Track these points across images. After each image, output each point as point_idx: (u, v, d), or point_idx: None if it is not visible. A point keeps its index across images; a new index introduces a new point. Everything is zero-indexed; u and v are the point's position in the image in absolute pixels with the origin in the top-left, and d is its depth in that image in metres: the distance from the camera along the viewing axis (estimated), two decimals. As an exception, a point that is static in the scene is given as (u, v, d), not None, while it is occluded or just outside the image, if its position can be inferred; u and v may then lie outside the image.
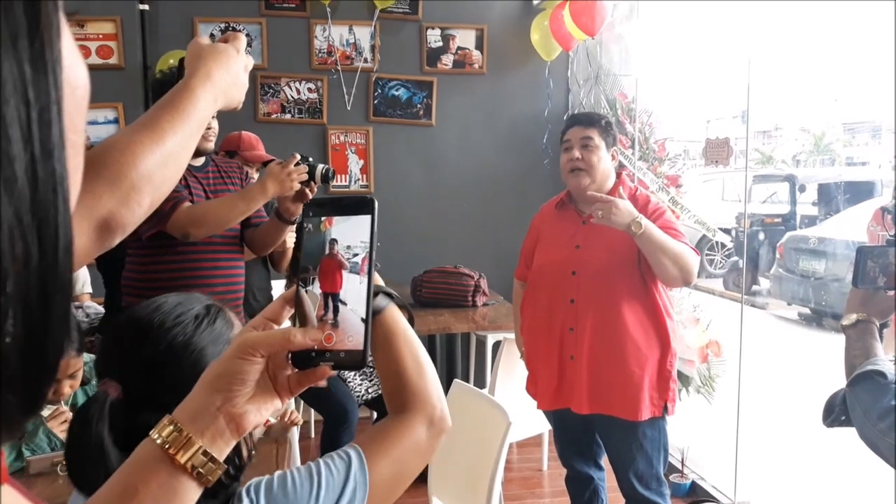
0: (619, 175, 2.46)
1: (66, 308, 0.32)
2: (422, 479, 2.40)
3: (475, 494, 2.01)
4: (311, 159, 2.40)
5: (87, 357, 2.20)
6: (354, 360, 0.63)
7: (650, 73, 4.24)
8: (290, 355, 0.64)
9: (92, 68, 3.64)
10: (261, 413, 0.63)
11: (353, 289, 0.64)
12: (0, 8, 0.28)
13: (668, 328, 2.33)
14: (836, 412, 1.30)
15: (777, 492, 3.48)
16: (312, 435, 4.09)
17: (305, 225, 0.68)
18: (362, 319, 0.63)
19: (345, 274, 0.65)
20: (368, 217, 0.66)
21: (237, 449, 0.71)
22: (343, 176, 4.53)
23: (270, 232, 2.46)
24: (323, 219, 0.67)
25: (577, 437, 2.54)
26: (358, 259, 0.65)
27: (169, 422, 0.60)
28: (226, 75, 1.00)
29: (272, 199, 2.28)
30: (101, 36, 4.10)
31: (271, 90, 4.41)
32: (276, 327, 0.66)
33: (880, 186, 9.11)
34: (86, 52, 4.07)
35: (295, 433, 3.04)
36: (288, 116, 4.46)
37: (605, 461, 2.57)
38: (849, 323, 1.35)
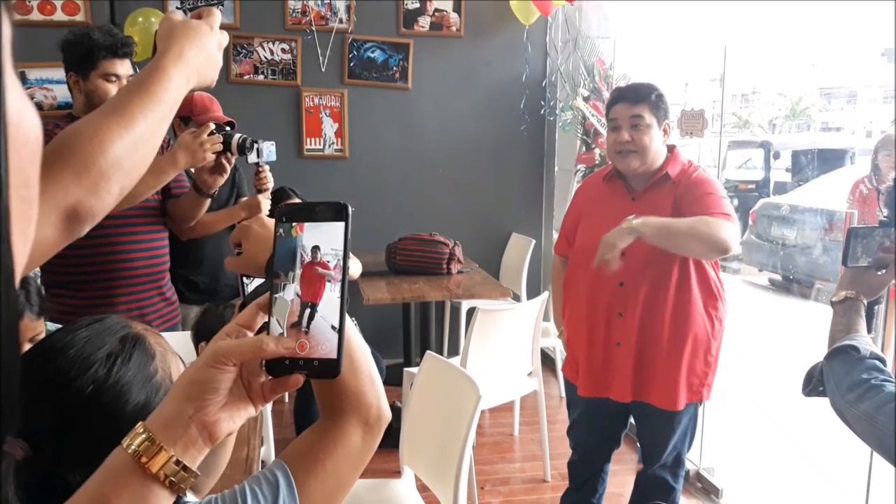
0: (671, 149, 2.27)
1: (12, 390, 0.31)
2: (394, 445, 2.44)
3: (446, 464, 2.04)
4: (227, 128, 2.27)
5: (51, 325, 2.17)
6: (328, 369, 0.64)
7: (628, 37, 4.21)
8: (263, 363, 0.64)
9: (57, 25, 3.51)
10: (234, 421, 0.63)
11: (325, 297, 0.65)
12: None
13: (721, 312, 2.22)
14: (814, 383, 1.37)
15: (742, 458, 3.57)
16: (286, 400, 4.11)
17: (277, 230, 0.67)
18: (333, 328, 0.64)
19: (326, 284, 0.65)
20: (342, 224, 0.66)
21: None
22: (317, 139, 4.47)
23: (189, 205, 2.37)
24: (294, 224, 0.66)
25: (605, 427, 2.44)
26: (330, 266, 0.65)
27: (141, 430, 0.60)
28: (199, 54, 0.97)
29: (185, 170, 2.16)
30: (66, -9, 3.97)
31: (244, 50, 4.32)
32: (249, 334, 0.66)
33: (852, 155, 9.21)
34: (51, 7, 3.94)
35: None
36: (261, 78, 4.37)
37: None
38: (837, 299, 1.41)
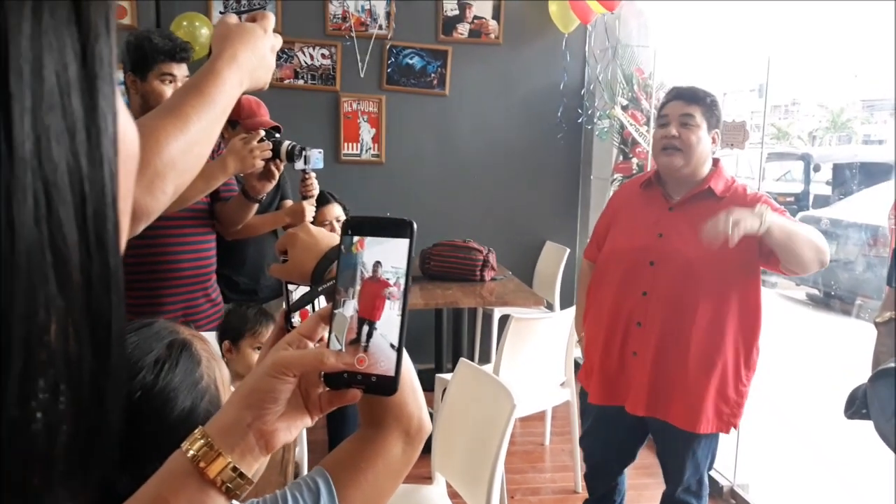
0: (716, 163, 2.20)
1: (119, 401, 0.32)
2: (426, 451, 2.44)
3: (479, 472, 2.04)
4: (277, 135, 2.28)
5: None
6: (385, 386, 0.63)
7: (668, 46, 4.17)
8: (322, 375, 0.64)
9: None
10: (290, 431, 0.63)
11: (385, 314, 0.64)
12: (57, 100, 0.27)
13: (759, 339, 2.12)
14: (857, 405, 1.34)
15: (777, 474, 3.51)
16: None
17: (340, 244, 0.67)
18: (392, 346, 0.63)
19: (386, 302, 0.64)
20: (406, 241, 0.65)
21: None
22: (355, 144, 4.51)
23: (237, 209, 2.40)
24: (356, 240, 0.66)
25: (619, 438, 2.38)
26: (390, 283, 0.65)
27: (201, 435, 0.61)
28: (252, 57, 0.98)
29: (234, 175, 2.18)
30: (114, -5, 4.06)
31: (285, 55, 4.37)
32: (311, 344, 0.67)
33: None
34: (99, 11, 4.03)
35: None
36: (301, 82, 4.42)
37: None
38: (882, 320, 1.39)
